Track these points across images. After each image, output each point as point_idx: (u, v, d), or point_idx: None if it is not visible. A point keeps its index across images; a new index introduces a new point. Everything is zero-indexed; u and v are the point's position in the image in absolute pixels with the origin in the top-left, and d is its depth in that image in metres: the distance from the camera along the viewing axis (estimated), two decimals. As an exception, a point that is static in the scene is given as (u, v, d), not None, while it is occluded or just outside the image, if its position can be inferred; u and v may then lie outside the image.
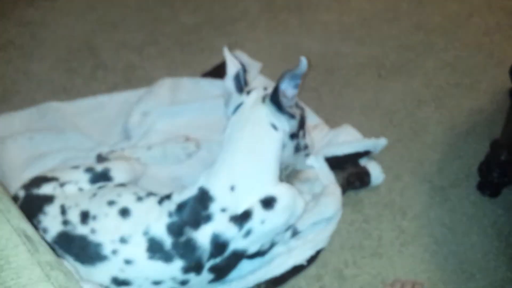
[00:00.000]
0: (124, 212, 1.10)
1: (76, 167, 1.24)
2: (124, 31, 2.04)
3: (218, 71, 1.78)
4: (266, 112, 1.18)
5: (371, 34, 1.99)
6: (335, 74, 1.82)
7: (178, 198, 1.12)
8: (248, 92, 1.23)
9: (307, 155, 1.36)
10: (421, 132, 1.62)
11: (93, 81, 1.82)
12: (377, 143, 1.48)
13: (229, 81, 1.25)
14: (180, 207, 1.09)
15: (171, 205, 1.10)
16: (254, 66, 1.79)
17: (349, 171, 1.45)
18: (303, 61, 1.10)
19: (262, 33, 2.02)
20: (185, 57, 1.91)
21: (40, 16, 2.14)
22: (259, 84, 1.73)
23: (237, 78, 1.24)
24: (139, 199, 1.13)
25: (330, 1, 2.16)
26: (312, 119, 1.63)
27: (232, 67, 1.25)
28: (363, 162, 1.48)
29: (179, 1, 2.19)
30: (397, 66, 1.85)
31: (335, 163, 1.43)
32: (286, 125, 1.19)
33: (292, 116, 1.19)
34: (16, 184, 1.39)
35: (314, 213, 1.30)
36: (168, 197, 1.14)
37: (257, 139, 1.17)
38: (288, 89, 1.15)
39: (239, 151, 1.15)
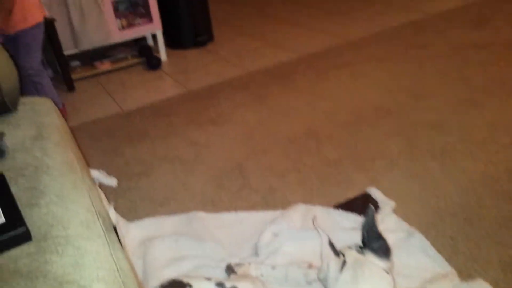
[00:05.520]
0: None
1: (209, 279, 1.35)
2: (272, 158, 2.27)
3: (351, 205, 1.86)
4: (375, 261, 1.23)
5: (520, 188, 1.89)
6: (474, 224, 1.74)
7: None
8: (342, 253, 1.29)
9: None
10: None
11: (238, 198, 2.03)
12: None
13: (326, 249, 1.28)
14: None
15: None
16: (387, 205, 1.81)
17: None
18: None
19: (400, 173, 2.06)
20: (322, 187, 2.03)
21: (205, 138, 2.52)
22: (391, 222, 1.77)
23: (331, 244, 1.30)
24: None
25: (477, 150, 2.14)
26: (443, 267, 1.56)
27: (324, 237, 1.31)
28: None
29: (325, 137, 2.39)
30: (549, 225, 1.70)
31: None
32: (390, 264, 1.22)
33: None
34: (153, 282, 1.57)
35: None
36: None
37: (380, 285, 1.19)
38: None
39: None
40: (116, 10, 3.63)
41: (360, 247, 1.31)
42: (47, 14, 3.14)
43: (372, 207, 1.23)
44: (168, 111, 2.92)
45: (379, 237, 1.27)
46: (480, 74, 2.93)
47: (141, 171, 2.29)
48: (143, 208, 2.03)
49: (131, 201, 2.07)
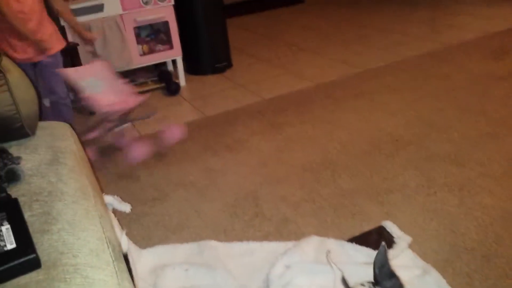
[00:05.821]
0: None
1: None
2: (286, 187, 2.26)
3: (365, 239, 1.83)
4: None
5: (541, 226, 1.83)
6: (491, 262, 1.69)
7: None
8: None
9: None
10: None
11: (250, 227, 2.01)
12: None
13: (339, 285, 1.30)
14: None
15: None
16: (403, 240, 1.78)
17: None
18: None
19: (417, 207, 2.02)
20: (336, 219, 2.00)
21: (220, 165, 2.53)
22: (406, 258, 1.73)
23: (344, 281, 1.29)
24: None
25: (495, 186, 2.09)
26: (460, 307, 1.51)
27: (338, 272, 1.31)
28: None
29: (340, 167, 2.37)
30: None
31: None
32: None
33: None
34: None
35: None
36: None
37: None
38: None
39: None
40: (138, 36, 3.72)
41: (373, 284, 1.28)
42: (70, 39, 3.23)
43: (384, 244, 1.21)
44: (185, 136, 2.94)
45: (392, 275, 1.25)
46: (500, 107, 2.89)
47: (155, 197, 2.30)
48: (156, 235, 2.02)
49: (144, 227, 2.07)
